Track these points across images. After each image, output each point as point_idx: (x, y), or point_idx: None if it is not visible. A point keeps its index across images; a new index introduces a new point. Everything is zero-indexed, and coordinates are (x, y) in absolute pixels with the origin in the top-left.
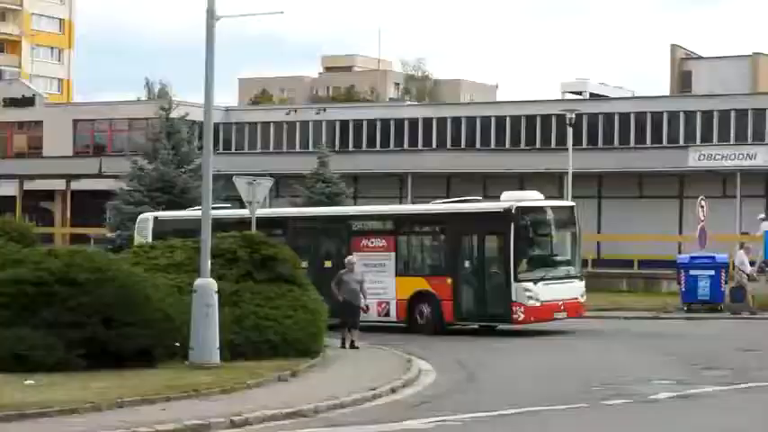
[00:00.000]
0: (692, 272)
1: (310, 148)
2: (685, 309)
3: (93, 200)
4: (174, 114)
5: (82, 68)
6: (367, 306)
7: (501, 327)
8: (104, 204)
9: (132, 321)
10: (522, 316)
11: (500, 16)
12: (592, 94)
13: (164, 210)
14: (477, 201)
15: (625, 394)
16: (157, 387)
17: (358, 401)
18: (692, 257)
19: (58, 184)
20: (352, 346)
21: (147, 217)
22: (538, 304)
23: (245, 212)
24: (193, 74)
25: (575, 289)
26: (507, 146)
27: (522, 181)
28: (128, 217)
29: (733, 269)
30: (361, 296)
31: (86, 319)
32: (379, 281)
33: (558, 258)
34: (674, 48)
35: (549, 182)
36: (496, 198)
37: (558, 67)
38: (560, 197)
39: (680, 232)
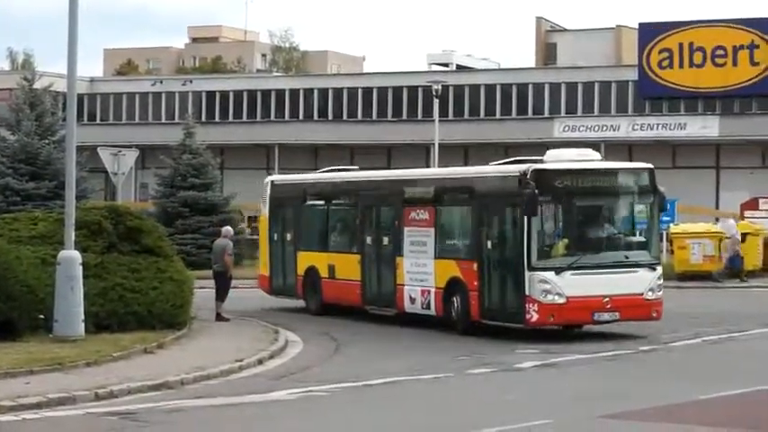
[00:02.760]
0: None
1: (176, 120)
2: None
3: None
4: (37, 85)
5: None
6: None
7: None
8: None
9: None
10: (536, 316)
11: None
12: (458, 66)
13: (27, 181)
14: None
15: (491, 364)
16: (21, 360)
17: (225, 373)
18: None
19: None
20: (221, 318)
21: (266, 181)
22: (560, 301)
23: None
24: (58, 44)
25: (636, 281)
26: (374, 117)
27: (389, 152)
28: None
29: (726, 239)
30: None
31: None
32: (423, 263)
33: (609, 239)
34: (538, 20)
35: (417, 153)
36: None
37: (424, 38)
38: (428, 167)
39: None
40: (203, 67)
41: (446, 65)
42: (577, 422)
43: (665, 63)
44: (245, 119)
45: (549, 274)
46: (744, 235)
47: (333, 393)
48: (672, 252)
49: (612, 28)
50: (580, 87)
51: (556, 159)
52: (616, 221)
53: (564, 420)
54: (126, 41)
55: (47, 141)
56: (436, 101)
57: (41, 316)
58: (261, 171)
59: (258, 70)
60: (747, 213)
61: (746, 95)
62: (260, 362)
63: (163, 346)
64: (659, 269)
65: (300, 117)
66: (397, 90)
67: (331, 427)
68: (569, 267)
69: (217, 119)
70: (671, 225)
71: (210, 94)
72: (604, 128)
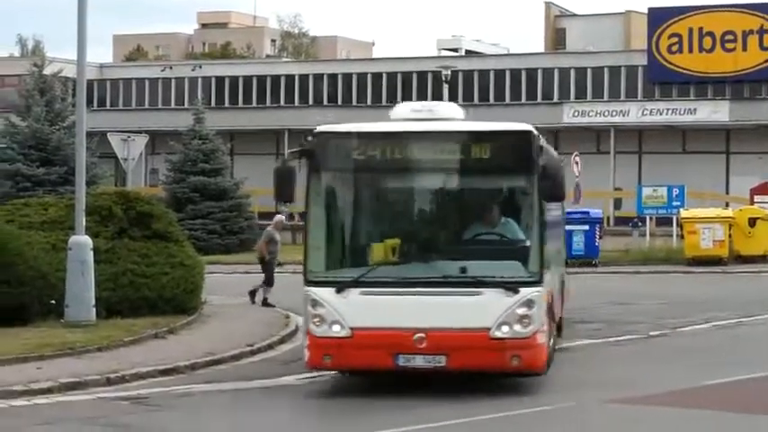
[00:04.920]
0: (567, 227)
1: (186, 105)
2: None
3: None
4: (47, 71)
5: None
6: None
7: None
8: None
9: (5, 279)
10: (307, 354)
11: None
12: (467, 51)
13: (38, 167)
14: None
15: None
16: (32, 345)
17: (235, 358)
18: (567, 213)
19: None
20: (267, 304)
21: None
22: (341, 333)
23: None
24: (67, 31)
25: (478, 308)
26: (384, 102)
27: None
28: (1, 174)
29: None
30: None
31: None
32: None
33: (434, 240)
34: (548, 5)
35: None
36: None
37: (433, 24)
38: None
39: None
40: (213, 52)
41: (455, 50)
42: (586, 407)
43: (675, 48)
44: (254, 104)
45: (326, 293)
46: (753, 220)
47: (339, 379)
48: (682, 237)
49: (622, 13)
50: (589, 72)
51: (395, 117)
52: (454, 213)
53: (573, 405)
54: (135, 27)
55: (57, 127)
56: (446, 86)
57: (53, 301)
58: (270, 156)
59: (267, 56)
60: (757, 198)
61: (756, 80)
62: (270, 347)
63: (173, 332)
64: (533, 291)
65: (310, 102)
66: (407, 75)
67: (334, 411)
68: (358, 282)
69: (226, 104)
70: (681, 210)
71: (220, 80)
72: (614, 113)
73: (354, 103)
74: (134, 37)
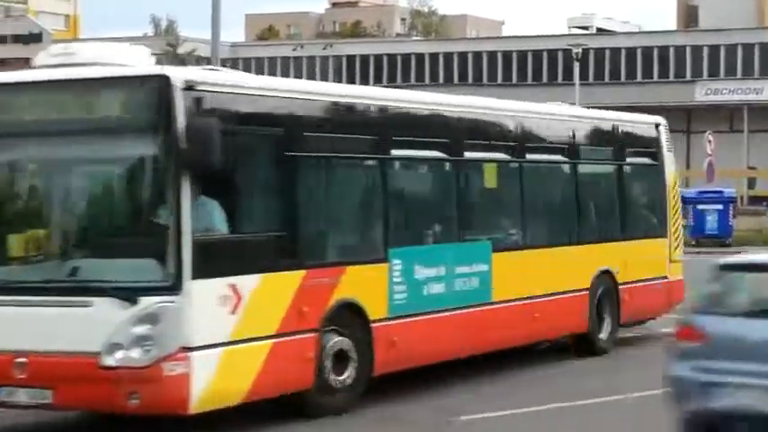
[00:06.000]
0: (700, 206)
1: None
2: (694, 243)
3: None
4: (181, 50)
5: (89, 4)
6: None
7: None
8: None
9: None
10: None
11: None
12: (598, 29)
13: None
14: None
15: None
16: None
17: None
18: (700, 192)
19: None
20: None
21: None
22: None
23: None
24: (200, 10)
25: (86, 325)
26: (514, 81)
27: None
28: None
29: None
30: None
31: None
32: None
33: (57, 231)
34: None
35: None
36: None
37: (563, 1)
38: None
39: (687, 167)
40: (343, 31)
41: (586, 28)
42: None
43: None
44: (385, 83)
45: None
46: None
47: None
48: None
49: None
50: (722, 50)
51: (35, 64)
52: (74, 192)
53: None
54: (267, 7)
55: None
56: (576, 64)
57: None
58: None
59: (398, 34)
60: None
61: None
62: None
63: None
64: (161, 301)
65: (440, 81)
66: (537, 54)
67: None
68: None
69: (357, 83)
70: None
71: (351, 59)
72: (747, 91)
73: (485, 81)
74: (266, 16)
